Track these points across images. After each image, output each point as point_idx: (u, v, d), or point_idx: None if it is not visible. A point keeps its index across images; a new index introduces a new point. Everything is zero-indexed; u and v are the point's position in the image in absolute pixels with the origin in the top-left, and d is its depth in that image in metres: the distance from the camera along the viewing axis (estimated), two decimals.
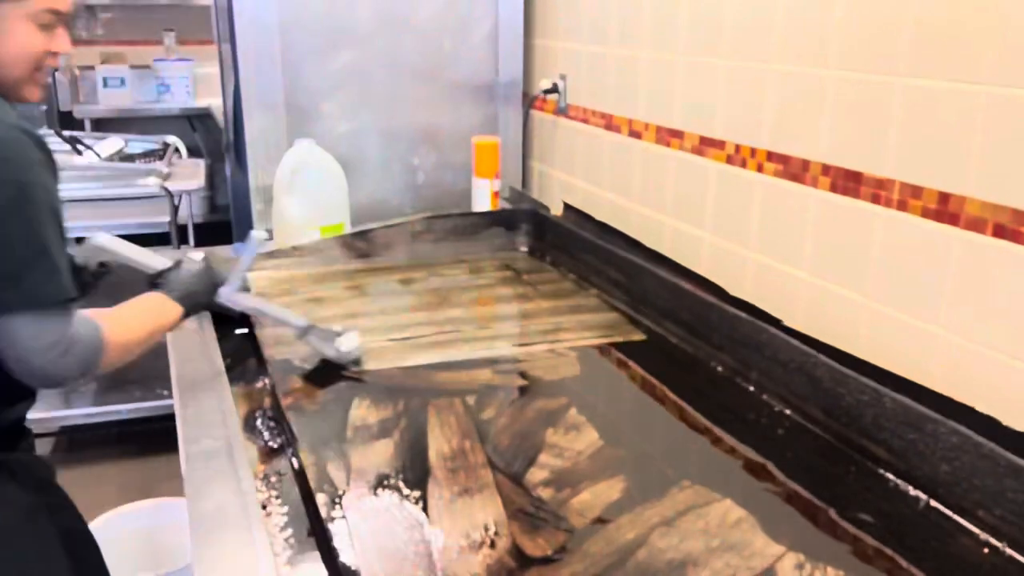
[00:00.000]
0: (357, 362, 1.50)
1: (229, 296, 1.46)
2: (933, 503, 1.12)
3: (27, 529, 1.25)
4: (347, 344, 1.48)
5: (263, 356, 1.55)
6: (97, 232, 1.49)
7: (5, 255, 1.12)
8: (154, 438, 3.08)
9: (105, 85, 4.52)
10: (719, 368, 1.53)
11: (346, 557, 0.99)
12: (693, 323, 1.62)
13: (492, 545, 1.03)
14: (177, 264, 1.44)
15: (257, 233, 1.55)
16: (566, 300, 1.89)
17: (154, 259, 1.46)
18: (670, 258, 1.84)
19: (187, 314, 1.39)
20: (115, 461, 3.14)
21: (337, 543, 1.02)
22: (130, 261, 1.47)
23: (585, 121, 2.24)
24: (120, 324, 1.25)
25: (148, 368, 3.24)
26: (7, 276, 1.12)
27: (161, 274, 1.41)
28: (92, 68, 4.52)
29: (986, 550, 1.04)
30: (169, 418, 1.38)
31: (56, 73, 4.16)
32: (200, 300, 1.41)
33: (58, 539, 1.29)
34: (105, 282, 1.47)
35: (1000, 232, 1.14)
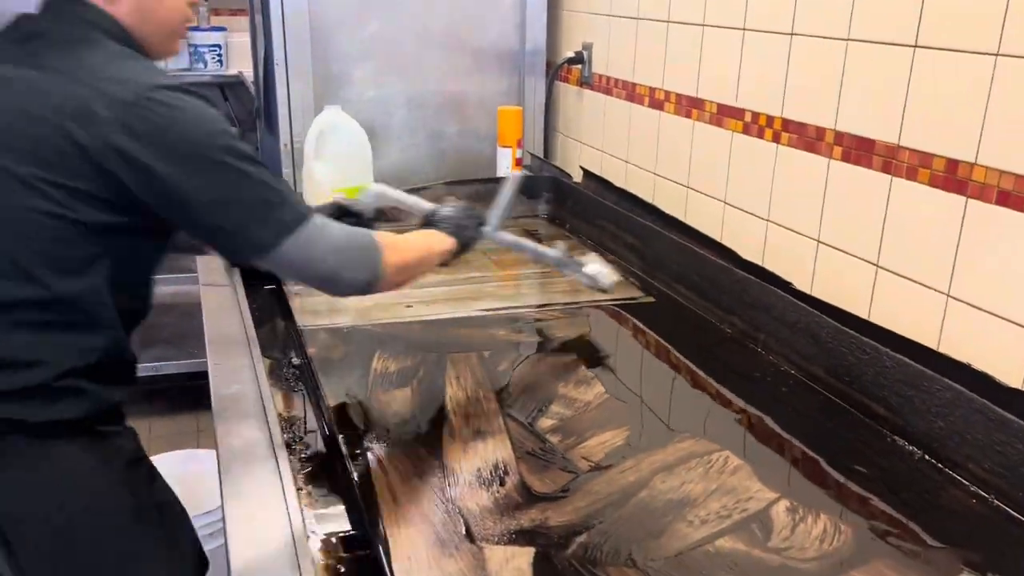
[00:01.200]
0: (606, 287, 1.58)
1: (492, 232, 1.51)
2: (927, 457, 1.17)
3: (128, 503, 1.23)
4: (592, 269, 1.57)
5: (290, 309, 1.62)
6: (378, 183, 1.63)
7: (241, 201, 1.11)
8: (184, 396, 3.19)
9: None
10: (728, 330, 1.58)
11: (365, 493, 1.05)
12: (704, 286, 1.67)
13: (502, 482, 1.09)
14: (442, 206, 1.49)
15: (515, 173, 1.63)
16: None
17: (421, 203, 1.54)
18: (687, 224, 1.88)
19: (459, 246, 1.41)
20: (145, 418, 3.25)
21: (356, 477, 1.08)
22: (402, 204, 1.57)
23: (608, 92, 2.27)
24: (398, 244, 1.28)
25: (178, 327, 3.35)
26: (258, 216, 1.12)
27: (432, 214, 1.46)
28: None
29: (974, 501, 1.08)
30: (199, 376, 1.45)
31: None
32: (468, 233, 1.44)
33: (156, 511, 1.29)
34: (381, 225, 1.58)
35: (1004, 199, 1.17)
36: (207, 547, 1.97)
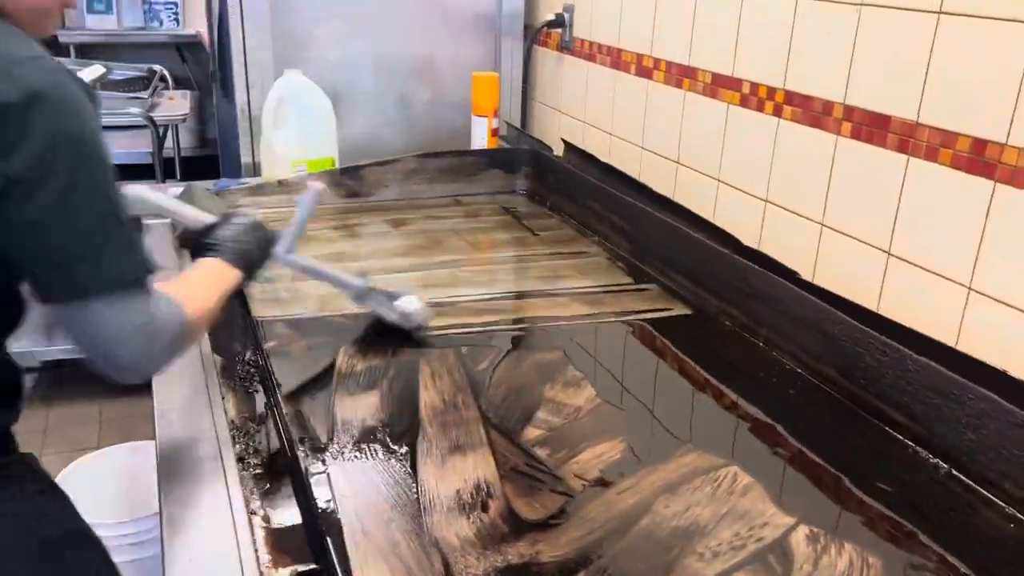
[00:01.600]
0: (421, 326, 1.38)
1: (284, 256, 1.27)
2: (955, 472, 1.06)
3: (23, 545, 1.09)
4: (407, 306, 1.36)
5: (245, 297, 1.46)
6: (136, 184, 1.28)
7: (75, 227, 0.90)
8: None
9: (91, 9, 4.34)
10: (727, 323, 1.45)
11: (326, 515, 0.92)
12: (701, 274, 1.54)
13: (484, 507, 0.96)
14: (225, 219, 1.23)
15: (314, 184, 1.36)
16: (567, 247, 1.80)
17: (197, 214, 1.26)
18: (679, 204, 1.75)
19: (246, 278, 1.18)
20: (97, 399, 3.07)
21: (318, 499, 0.95)
22: (169, 214, 1.30)
23: (591, 58, 2.12)
24: (194, 298, 1.05)
25: None
26: (80, 253, 0.91)
27: (207, 234, 1.20)
28: None
29: (1012, 525, 0.97)
30: None
31: None
32: (255, 261, 1.20)
33: (56, 548, 1.14)
34: None
35: None
36: (152, 552, 1.85)
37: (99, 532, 1.78)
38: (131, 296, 0.94)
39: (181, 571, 0.87)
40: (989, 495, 1.02)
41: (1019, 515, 0.98)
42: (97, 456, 2.01)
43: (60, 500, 1.19)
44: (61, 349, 2.97)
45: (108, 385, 2.78)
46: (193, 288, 1.09)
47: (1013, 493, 0.99)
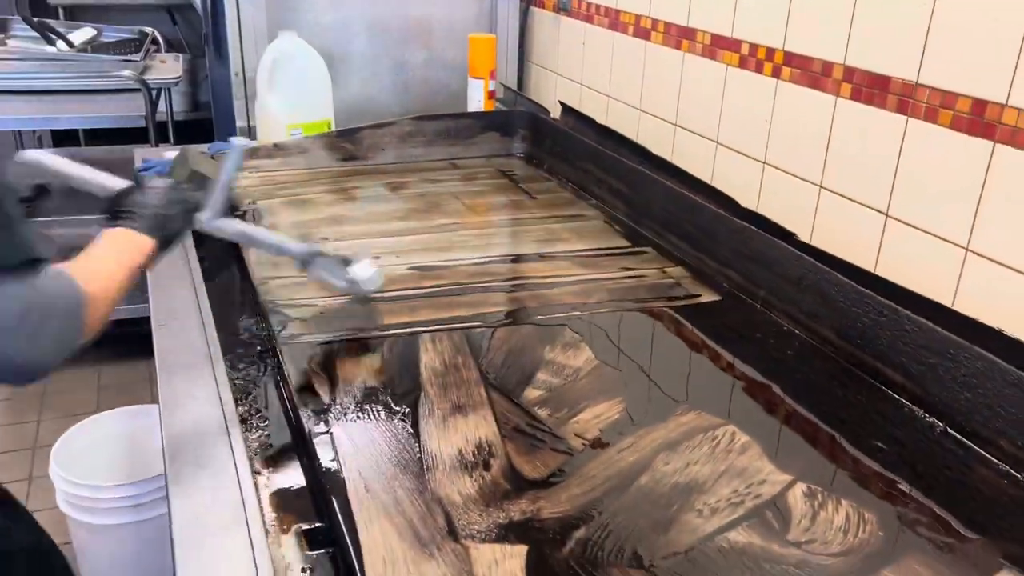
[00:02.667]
0: (371, 294, 1.30)
1: (210, 222, 1.18)
2: (950, 430, 1.07)
3: None
4: (361, 272, 1.27)
5: (244, 260, 1.46)
6: (34, 149, 1.22)
7: None
8: (135, 342, 3.01)
9: None
10: (724, 284, 1.46)
11: (330, 474, 0.93)
12: (699, 237, 1.54)
13: (487, 466, 0.97)
14: (137, 184, 1.12)
15: (238, 140, 1.29)
16: (564, 210, 1.80)
17: (107, 179, 1.15)
18: (678, 167, 1.74)
19: (162, 247, 1.08)
20: (95, 364, 3.08)
21: (321, 459, 0.95)
22: (76, 182, 1.17)
23: (589, 19, 2.09)
24: (96, 273, 0.96)
25: None
26: None
27: (119, 197, 1.10)
28: None
29: (1006, 482, 0.99)
30: (148, 322, 1.30)
31: None
32: (174, 228, 1.10)
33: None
34: (43, 207, 1.22)
35: None
36: (157, 512, 1.86)
37: (99, 495, 1.80)
38: (10, 279, 0.84)
39: (188, 529, 0.88)
40: (984, 453, 1.03)
41: (1013, 472, 1.00)
42: (96, 420, 2.02)
43: (13, 515, 1.15)
44: None
45: (106, 350, 2.77)
46: (94, 262, 0.99)
47: (1008, 451, 1.00)
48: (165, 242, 1.08)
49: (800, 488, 0.95)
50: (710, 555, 0.85)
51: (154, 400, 2.35)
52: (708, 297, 1.43)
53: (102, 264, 0.99)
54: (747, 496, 0.93)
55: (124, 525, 1.83)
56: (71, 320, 0.89)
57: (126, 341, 3.09)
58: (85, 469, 1.85)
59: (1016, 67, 1.06)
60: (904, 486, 0.97)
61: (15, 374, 0.87)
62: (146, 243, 1.05)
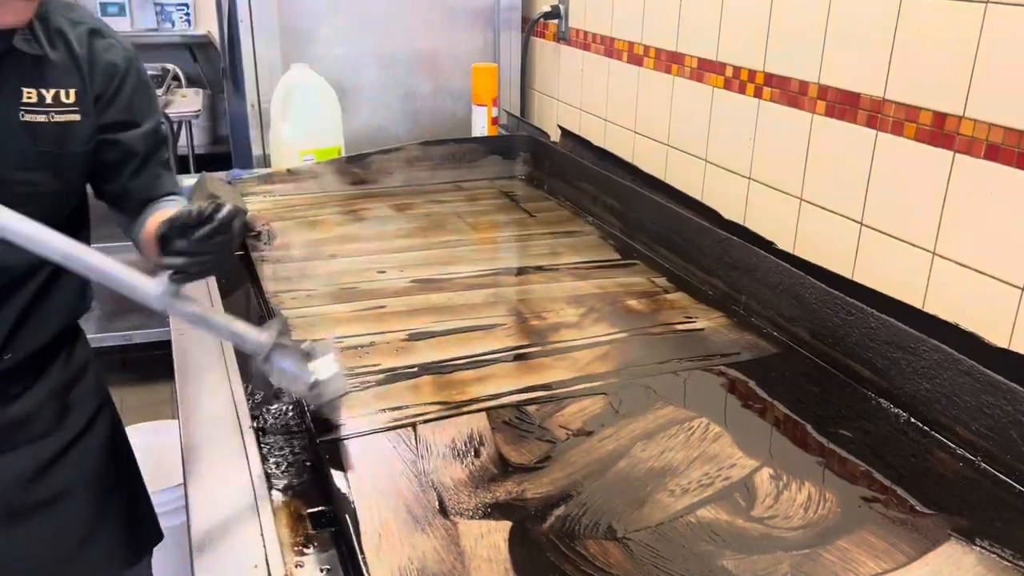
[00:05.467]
0: (334, 403, 1.10)
1: (161, 300, 0.98)
2: (913, 420, 1.14)
3: None
4: (323, 370, 1.06)
5: (258, 275, 1.56)
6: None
7: None
8: (157, 365, 3.12)
9: (104, 11, 4.44)
10: (709, 292, 1.54)
11: (334, 467, 1.01)
12: (686, 248, 1.62)
13: (477, 454, 1.05)
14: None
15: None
16: (562, 227, 1.89)
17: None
18: (667, 183, 1.83)
19: None
20: (119, 387, 3.18)
21: (325, 453, 1.04)
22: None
23: (586, 47, 2.20)
24: None
25: None
26: None
27: None
28: None
29: (961, 464, 1.05)
30: (160, 345, 1.40)
31: None
32: None
33: None
34: None
35: (993, 153, 1.13)
36: (172, 523, 1.94)
37: None
38: None
39: (204, 513, 0.96)
40: (942, 438, 1.10)
41: (968, 455, 1.06)
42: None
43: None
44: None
45: (129, 374, 2.89)
46: None
47: (964, 436, 1.07)
48: None
49: (767, 471, 1.02)
50: (679, 529, 0.92)
51: (175, 418, 2.44)
52: (696, 308, 1.50)
53: None
54: (717, 478, 1.01)
55: None
56: None
57: (148, 365, 3.21)
58: None
59: (971, 82, 1.14)
60: (866, 470, 1.04)
61: None
62: None
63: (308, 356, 1.05)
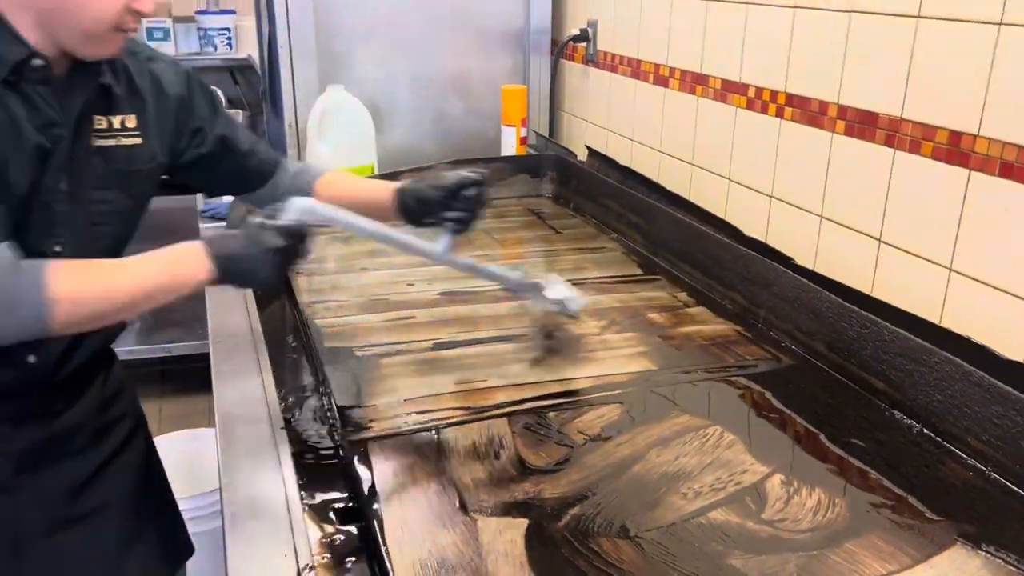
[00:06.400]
0: (575, 313, 1.40)
1: (442, 255, 1.27)
2: (925, 431, 1.16)
3: None
4: (557, 292, 1.38)
5: (292, 288, 1.62)
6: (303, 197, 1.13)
7: None
8: (195, 377, 3.21)
9: (150, 37, 4.60)
10: (728, 305, 1.57)
11: (361, 468, 1.06)
12: (707, 264, 1.66)
13: (497, 456, 1.09)
14: (250, 222, 1.09)
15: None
16: (587, 243, 1.94)
17: (361, 222, 1.18)
18: (691, 201, 1.87)
19: (230, 279, 1.08)
20: (157, 398, 3.28)
21: (354, 456, 1.09)
22: (337, 225, 1.19)
23: (613, 69, 2.25)
24: (83, 277, 1.02)
25: (190, 309, 3.37)
26: None
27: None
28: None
29: (971, 474, 1.07)
30: (197, 358, 1.46)
31: None
32: (244, 265, 1.06)
33: None
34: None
35: (1007, 171, 1.15)
36: (206, 527, 2.01)
37: None
38: None
39: (237, 506, 1.01)
40: (954, 448, 1.12)
41: (979, 465, 1.08)
42: (160, 441, 2.19)
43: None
44: (124, 350, 3.20)
45: (168, 385, 2.99)
46: (94, 268, 1.05)
47: (974, 446, 1.09)
48: (235, 275, 1.07)
49: (778, 477, 1.05)
50: (690, 529, 0.96)
51: (210, 427, 2.51)
52: (715, 322, 1.53)
53: (107, 273, 1.04)
54: (729, 483, 1.04)
55: None
56: (32, 315, 0.98)
57: (186, 376, 3.30)
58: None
59: (985, 101, 1.17)
60: (876, 478, 1.06)
61: None
62: (203, 267, 1.05)
63: (542, 287, 1.37)
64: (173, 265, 1.06)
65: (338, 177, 1.44)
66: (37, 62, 1.07)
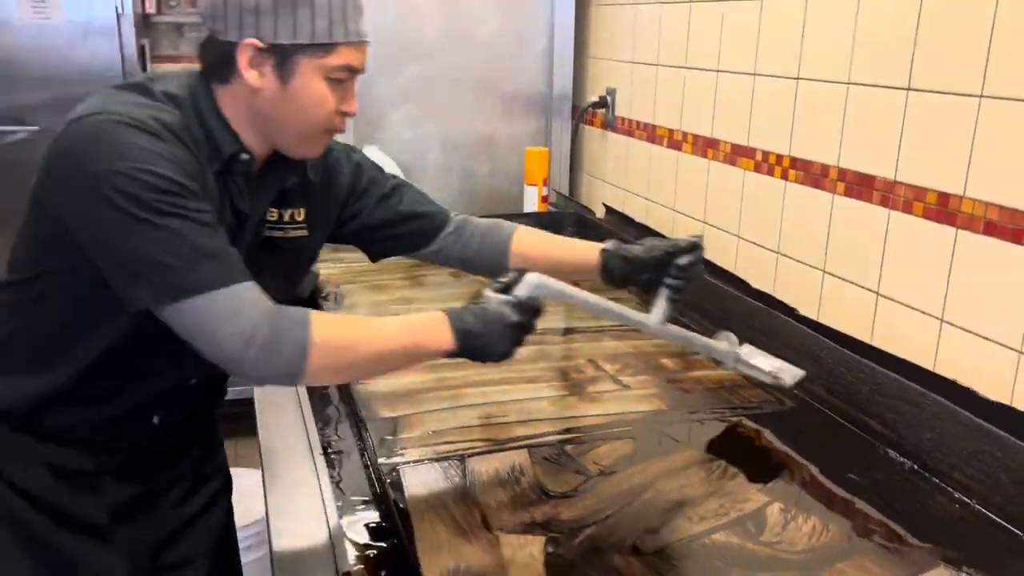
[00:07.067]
0: (789, 384, 1.36)
1: (658, 326, 1.27)
2: (916, 468, 1.25)
3: None
4: (769, 365, 1.35)
5: None
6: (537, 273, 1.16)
7: (132, 251, 0.98)
8: (230, 421, 3.29)
9: None
10: None
11: (394, 487, 1.16)
12: (716, 313, 1.76)
13: (518, 482, 1.19)
14: (500, 299, 1.10)
15: (532, 276, 1.17)
16: (602, 293, 2.03)
17: (589, 298, 1.22)
18: (706, 258, 1.97)
19: (470, 354, 1.10)
20: None
21: (388, 480, 1.18)
22: (566, 299, 1.21)
23: (630, 134, 2.40)
24: (343, 330, 1.06)
25: None
26: (136, 272, 0.99)
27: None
28: None
29: (957, 506, 1.16)
30: (243, 403, 1.55)
31: None
32: (482, 341, 1.08)
33: None
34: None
35: (990, 229, 1.26)
36: (246, 559, 2.08)
37: None
38: (197, 299, 0.98)
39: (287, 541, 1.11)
40: (942, 484, 1.20)
41: (964, 498, 1.17)
42: None
43: None
44: None
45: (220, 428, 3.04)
46: (357, 324, 1.10)
47: (960, 480, 1.18)
48: (473, 350, 1.09)
49: (777, 506, 1.14)
50: (694, 548, 1.05)
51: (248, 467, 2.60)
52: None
53: (361, 329, 1.08)
54: (731, 510, 1.13)
55: None
56: (292, 354, 1.00)
57: (238, 419, 3.38)
58: None
59: (969, 165, 1.28)
60: (869, 510, 1.15)
61: (236, 367, 1.01)
62: (445, 338, 1.07)
63: (758, 354, 1.36)
64: (420, 331, 1.08)
65: (531, 234, 1.42)
66: (244, 156, 1.11)
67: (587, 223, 2.42)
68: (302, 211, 1.24)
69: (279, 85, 1.08)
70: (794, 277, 1.69)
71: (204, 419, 1.40)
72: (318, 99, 1.09)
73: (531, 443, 1.30)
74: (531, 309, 1.10)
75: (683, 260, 1.27)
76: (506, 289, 1.11)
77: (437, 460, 1.24)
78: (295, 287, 1.36)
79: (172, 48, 5.00)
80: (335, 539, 1.08)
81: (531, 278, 1.13)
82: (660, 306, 1.26)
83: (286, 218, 1.23)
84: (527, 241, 1.40)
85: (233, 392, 3.09)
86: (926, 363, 1.34)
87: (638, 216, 2.32)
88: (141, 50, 2.79)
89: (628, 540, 1.06)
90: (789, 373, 1.34)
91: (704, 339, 1.35)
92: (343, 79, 1.11)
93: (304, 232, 1.25)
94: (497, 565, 1.00)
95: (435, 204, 1.43)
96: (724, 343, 1.34)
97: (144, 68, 2.78)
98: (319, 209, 1.27)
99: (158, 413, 1.23)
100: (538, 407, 1.43)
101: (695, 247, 1.28)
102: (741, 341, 1.38)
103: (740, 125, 1.87)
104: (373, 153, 2.29)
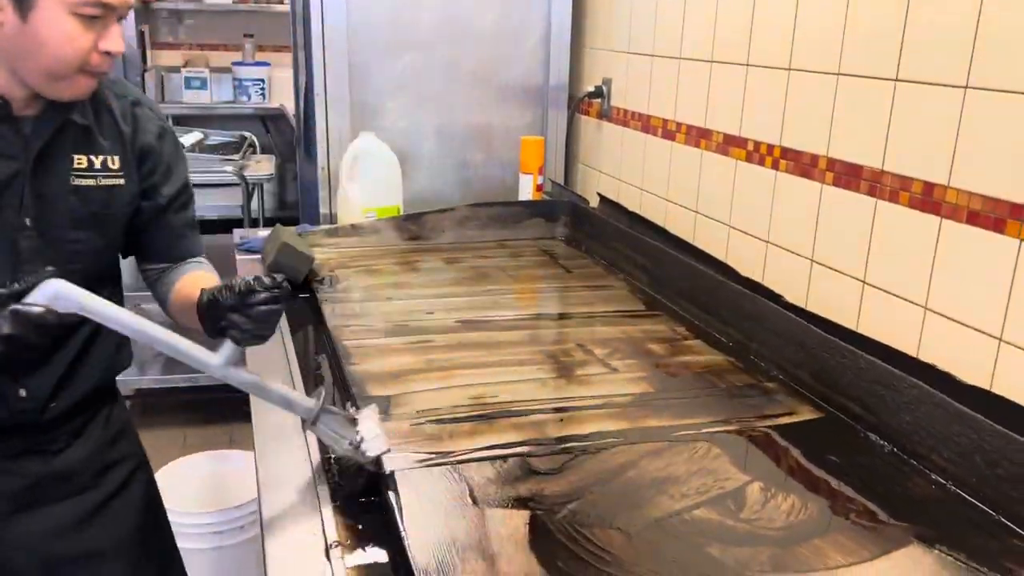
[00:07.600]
0: (375, 457, 1.15)
1: (221, 369, 1.09)
2: (896, 451, 1.27)
3: None
4: (367, 431, 1.14)
5: (322, 314, 1.76)
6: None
7: None
8: (220, 407, 3.34)
9: (187, 86, 4.84)
10: (723, 339, 1.69)
11: (383, 472, 1.18)
12: (705, 300, 1.78)
13: (504, 459, 1.21)
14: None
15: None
16: (594, 281, 2.07)
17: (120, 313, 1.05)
18: (694, 245, 2.00)
19: None
20: (182, 427, 3.41)
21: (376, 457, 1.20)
22: (91, 315, 1.05)
23: (625, 124, 2.42)
24: None
25: (217, 342, 3.53)
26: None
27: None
28: (176, 70, 4.85)
29: (934, 488, 1.18)
30: (233, 389, 1.57)
31: (144, 74, 4.44)
32: None
33: None
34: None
35: (973, 218, 1.28)
36: (237, 539, 2.12)
37: (185, 520, 2.07)
38: None
39: (273, 505, 1.13)
40: (920, 466, 1.23)
41: (940, 480, 1.19)
42: (186, 460, 2.32)
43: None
44: (152, 379, 3.34)
45: (193, 415, 3.18)
46: None
47: (937, 463, 1.20)
48: None
49: (758, 485, 1.16)
50: (675, 524, 1.07)
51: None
52: (709, 352, 1.66)
53: None
54: (712, 488, 1.15)
55: (206, 550, 2.09)
56: None
57: (211, 406, 3.43)
58: (176, 499, 2.13)
59: (954, 155, 1.31)
60: (848, 490, 1.17)
61: None
62: None
63: (352, 421, 1.15)
64: None
65: (196, 279, 1.34)
66: None
67: (581, 212, 2.44)
68: (117, 159, 1.21)
69: (17, 19, 1.03)
70: (783, 265, 1.71)
71: (101, 394, 1.36)
72: (64, 36, 1.04)
73: (519, 421, 1.32)
74: (33, 323, 0.96)
75: (255, 300, 1.06)
76: (19, 296, 0.98)
77: (426, 438, 1.26)
78: (114, 242, 1.30)
79: (171, 35, 5.03)
80: (323, 513, 1.10)
81: (50, 286, 0.99)
82: (228, 347, 1.09)
83: (98, 165, 1.19)
84: (183, 277, 1.36)
85: (210, 379, 3.07)
86: (910, 350, 1.36)
87: (631, 205, 2.34)
88: (140, 36, 2.80)
89: (609, 516, 1.08)
90: (375, 444, 1.14)
91: (283, 390, 1.15)
92: (97, 15, 1.05)
93: (120, 180, 1.21)
94: (482, 536, 1.02)
95: (197, 239, 1.40)
96: (312, 400, 1.14)
97: (143, 54, 2.80)
98: (131, 159, 1.24)
99: (20, 387, 1.21)
100: (527, 388, 1.45)
101: (269, 292, 1.06)
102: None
103: (732, 115, 1.89)
104: (369, 141, 2.31)
